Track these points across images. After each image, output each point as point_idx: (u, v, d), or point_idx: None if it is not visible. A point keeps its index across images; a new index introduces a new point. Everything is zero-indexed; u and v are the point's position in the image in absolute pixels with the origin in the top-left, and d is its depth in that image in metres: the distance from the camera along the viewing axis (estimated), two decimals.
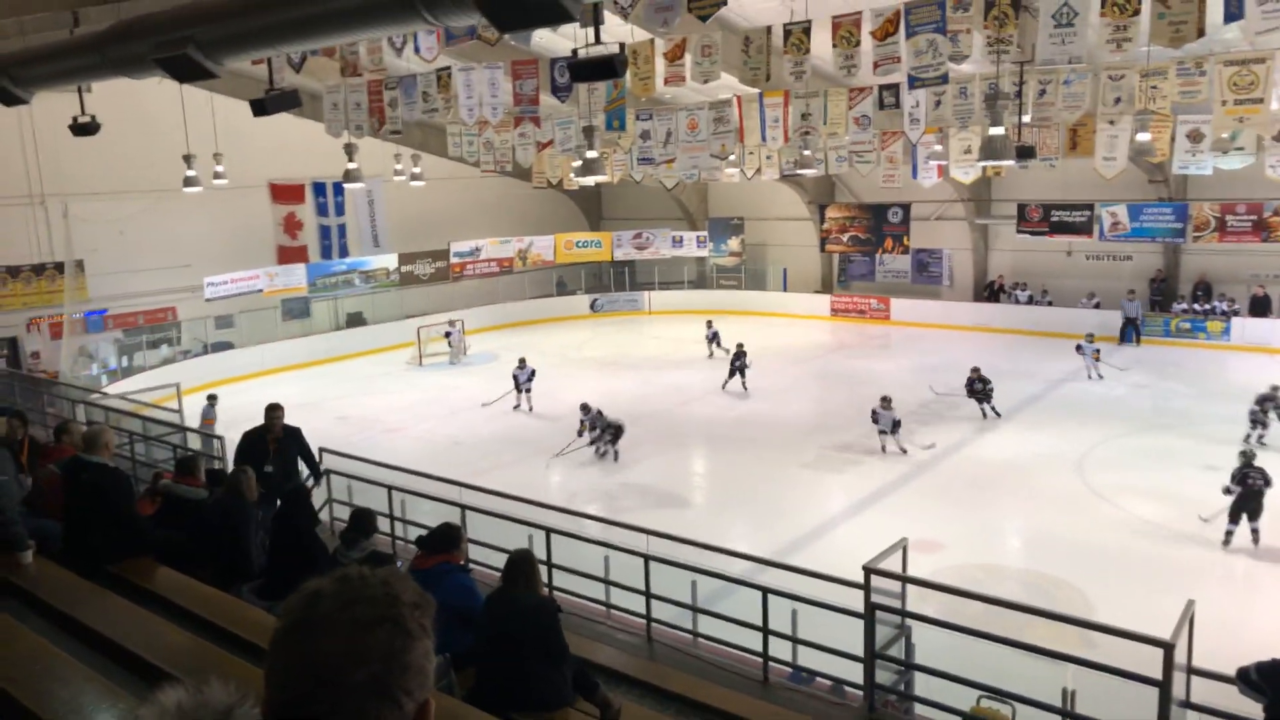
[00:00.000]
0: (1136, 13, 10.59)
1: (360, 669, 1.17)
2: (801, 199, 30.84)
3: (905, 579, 6.13)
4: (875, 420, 16.25)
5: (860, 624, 5.99)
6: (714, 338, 25.12)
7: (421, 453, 16.09)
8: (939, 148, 20.34)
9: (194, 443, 12.11)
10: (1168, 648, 4.80)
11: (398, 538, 9.35)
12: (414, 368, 25.27)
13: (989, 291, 28.71)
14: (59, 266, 22.11)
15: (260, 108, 11.18)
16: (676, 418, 19.47)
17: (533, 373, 20.10)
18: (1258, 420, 15.95)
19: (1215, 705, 5.28)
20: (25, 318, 21.65)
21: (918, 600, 6.42)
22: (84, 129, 10.64)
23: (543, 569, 8.25)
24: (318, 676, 1.17)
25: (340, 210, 28.09)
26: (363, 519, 6.34)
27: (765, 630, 6.55)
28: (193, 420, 15.40)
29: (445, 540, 5.73)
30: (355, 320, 28.33)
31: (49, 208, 21.85)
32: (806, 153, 20.44)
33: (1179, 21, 10.34)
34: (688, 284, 33.79)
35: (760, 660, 6.56)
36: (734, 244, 32.94)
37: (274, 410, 8.78)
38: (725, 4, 11.18)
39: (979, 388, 18.07)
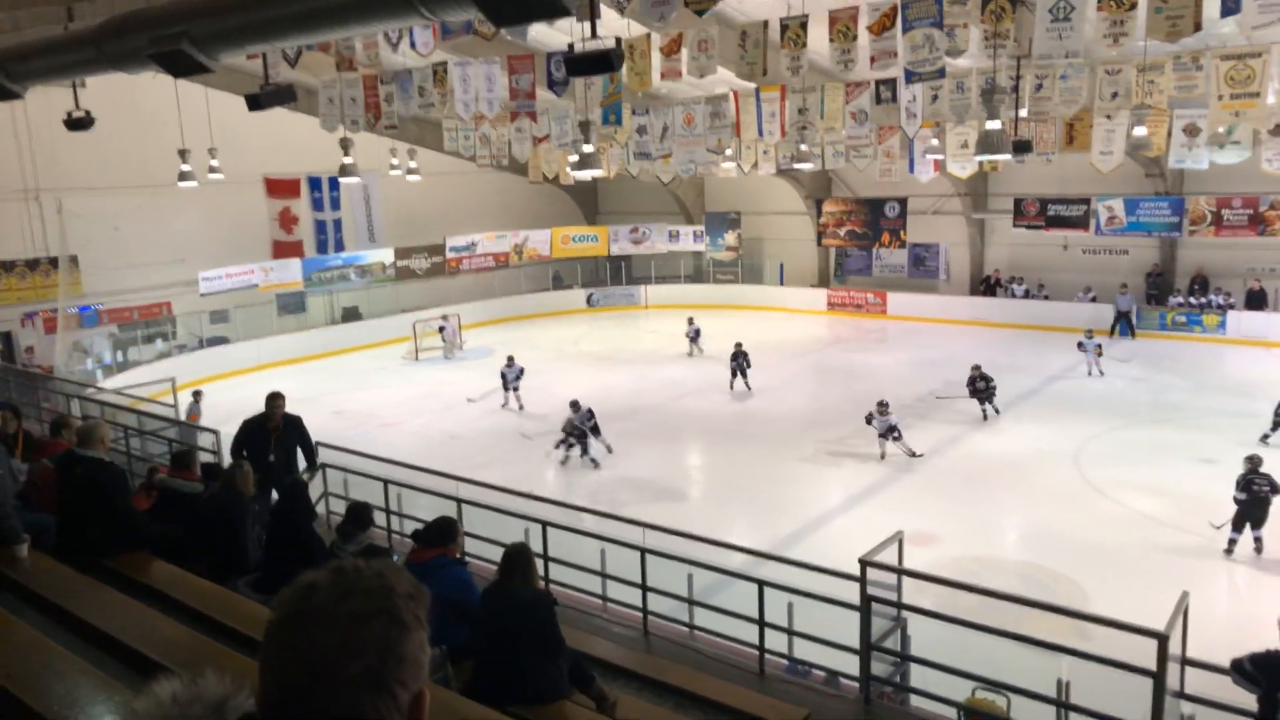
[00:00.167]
0: (1133, 7, 10.60)
1: (355, 661, 1.17)
2: (798, 193, 30.84)
3: (901, 571, 6.14)
4: (870, 424, 15.82)
5: (856, 616, 6.01)
6: (695, 335, 24.80)
7: (417, 447, 16.09)
8: (935, 142, 20.35)
9: (189, 437, 12.09)
10: (1162, 639, 4.81)
11: (394, 531, 9.36)
12: (410, 362, 25.25)
13: (985, 286, 28.74)
14: (53, 261, 22.05)
15: (255, 102, 11.17)
16: (673, 412, 19.48)
17: (521, 371, 19.81)
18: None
19: (1209, 696, 5.30)
20: (19, 313, 21.60)
21: (914, 593, 6.43)
22: (78, 124, 10.62)
23: (539, 562, 8.27)
24: (312, 669, 1.17)
25: (336, 205, 28.06)
26: (359, 513, 6.34)
27: (762, 623, 6.56)
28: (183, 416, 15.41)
29: (442, 534, 5.73)
30: (351, 315, 28.30)
31: (43, 202, 21.78)
32: (803, 147, 20.42)
33: (1176, 16, 10.36)
34: (684, 279, 33.79)
35: (757, 653, 6.58)
36: (731, 238, 32.94)
37: (275, 399, 8.74)
38: None
39: (980, 386, 17.78)
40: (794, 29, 12.84)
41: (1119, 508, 13.28)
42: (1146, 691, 4.97)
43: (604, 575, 7.93)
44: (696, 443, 18.05)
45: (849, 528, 12.31)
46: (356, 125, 17.63)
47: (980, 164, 20.71)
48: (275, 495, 7.36)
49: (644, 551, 7.52)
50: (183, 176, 18.71)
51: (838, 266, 31.88)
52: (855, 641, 6.04)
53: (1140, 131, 17.45)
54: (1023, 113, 15.45)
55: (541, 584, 6.43)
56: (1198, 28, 10.31)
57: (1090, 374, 20.74)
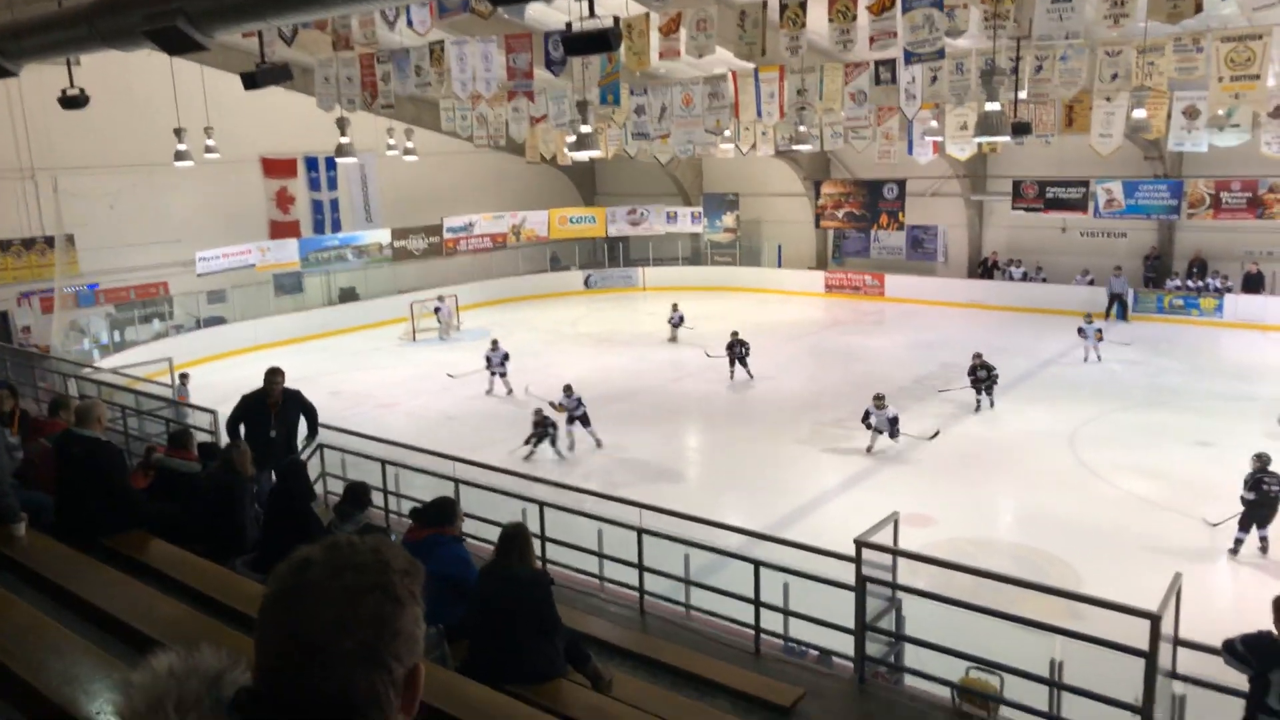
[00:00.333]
0: None
1: (350, 636, 1.18)
2: (797, 175, 30.74)
3: (896, 552, 6.17)
4: (868, 421, 15.08)
5: (851, 597, 6.05)
6: (678, 322, 24.29)
7: (415, 428, 16.11)
8: (935, 124, 20.27)
9: (186, 417, 12.10)
10: (1154, 619, 4.85)
11: (392, 511, 9.38)
12: (407, 343, 25.24)
13: (983, 268, 28.72)
14: (49, 241, 21.98)
15: (251, 81, 11.10)
16: (671, 394, 19.50)
17: (506, 355, 19.47)
18: None
19: (1201, 676, 5.34)
20: (15, 292, 21.55)
21: (909, 574, 6.47)
22: (73, 102, 10.55)
23: (536, 543, 8.31)
24: (308, 644, 1.17)
25: (333, 185, 27.94)
26: (357, 492, 6.36)
27: (757, 603, 6.60)
28: None
29: (441, 513, 5.76)
30: (348, 295, 28.25)
31: (39, 181, 21.68)
32: (802, 128, 20.35)
33: None
34: (682, 260, 33.73)
35: (752, 632, 6.62)
36: (729, 220, 32.86)
37: (274, 374, 8.70)
38: None
39: (981, 375, 17.27)
40: (793, 9, 12.76)
41: (1114, 490, 13.34)
42: (1139, 671, 5.01)
43: (601, 555, 7.96)
44: (694, 424, 18.08)
45: (845, 509, 12.36)
46: (353, 105, 17.52)
47: (979, 146, 20.65)
48: (275, 474, 7.37)
49: (641, 532, 7.55)
50: (179, 156, 18.61)
51: (836, 248, 31.83)
52: (850, 622, 6.08)
53: (1140, 114, 17.39)
54: (1022, 94, 15.38)
55: (539, 564, 6.47)
56: (1199, 9, 10.26)
57: (1087, 360, 20.56)
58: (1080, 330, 20.77)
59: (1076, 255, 26.88)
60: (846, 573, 6.10)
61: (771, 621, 6.74)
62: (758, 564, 6.68)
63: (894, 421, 15.00)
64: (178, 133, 17.89)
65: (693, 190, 33.57)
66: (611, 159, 26.65)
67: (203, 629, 3.95)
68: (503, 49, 15.58)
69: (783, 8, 12.82)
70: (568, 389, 15.88)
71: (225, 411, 9.26)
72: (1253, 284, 24.44)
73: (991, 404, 17.41)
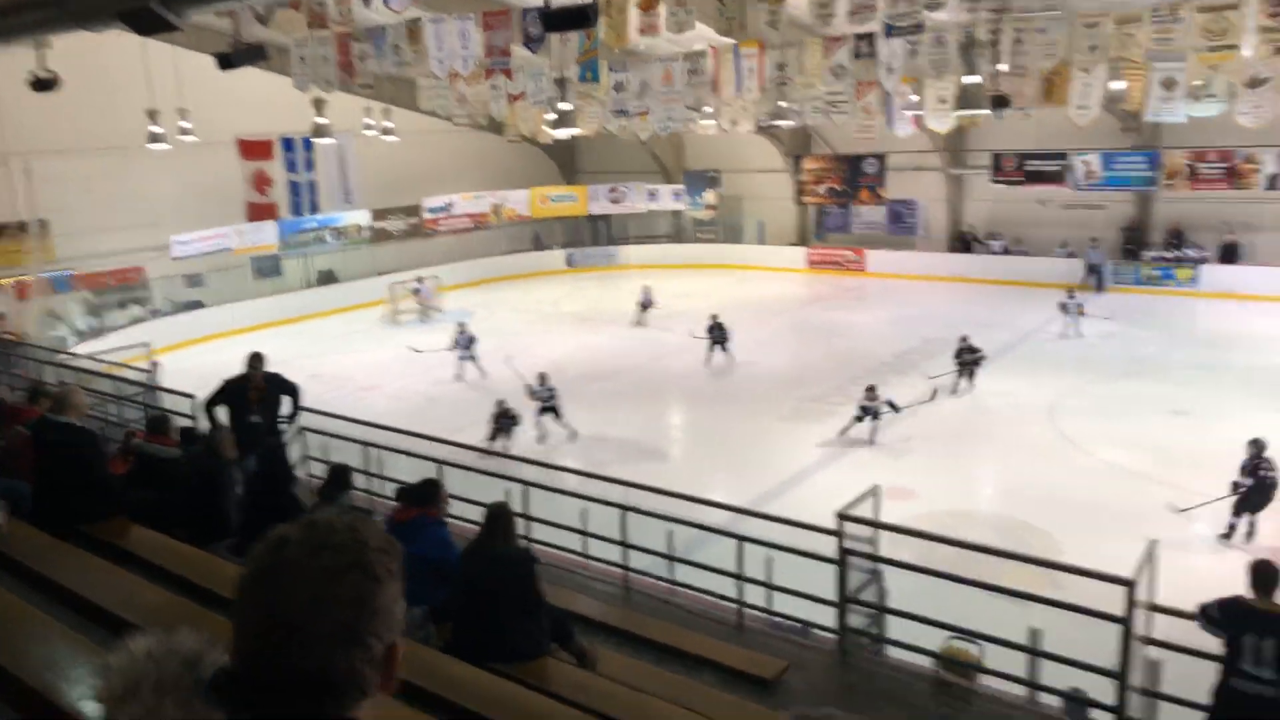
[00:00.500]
0: None
1: (328, 615, 1.18)
2: (778, 151, 30.67)
3: (877, 525, 6.23)
4: (863, 415, 14.57)
5: (834, 570, 6.11)
6: (646, 305, 23.71)
7: (397, 410, 16.06)
8: (915, 98, 20.25)
9: (167, 402, 12.01)
10: (1129, 585, 4.92)
11: (375, 494, 9.37)
12: (387, 325, 25.12)
13: (962, 242, 28.82)
14: (23, 226, 21.67)
15: (226, 62, 10.97)
16: (654, 372, 19.52)
17: (472, 339, 19.08)
18: None
19: (1178, 641, 5.42)
20: None
21: (891, 546, 6.53)
22: (44, 85, 10.40)
23: (521, 522, 8.33)
24: (285, 623, 1.17)
25: (310, 166, 27.62)
26: (339, 475, 6.35)
27: (740, 577, 6.66)
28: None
29: (424, 494, 5.76)
30: (327, 278, 28.06)
31: (10, 166, 21.34)
32: (782, 104, 20.28)
33: None
34: (664, 238, 33.66)
35: (736, 607, 6.68)
36: (710, 197, 32.78)
37: (255, 359, 8.62)
38: None
39: (967, 358, 16.94)
40: None
41: (1093, 460, 13.49)
42: (1116, 638, 5.10)
43: (585, 533, 7.99)
44: (677, 402, 18.12)
45: (827, 484, 12.42)
46: (330, 85, 17.33)
47: (959, 119, 20.67)
48: (256, 459, 7.34)
49: (625, 509, 7.59)
50: (152, 138, 18.38)
51: (817, 224, 31.84)
52: (833, 594, 6.14)
53: (1118, 85, 17.45)
54: (1001, 67, 15.37)
55: (523, 543, 6.49)
56: None
57: (1067, 335, 20.47)
58: (1063, 306, 20.75)
59: (1056, 228, 27.01)
60: (829, 547, 6.16)
61: (755, 596, 6.80)
62: (741, 539, 6.73)
63: (890, 404, 14.67)
64: (151, 114, 17.64)
65: (674, 167, 33.45)
66: (592, 136, 26.46)
67: (185, 614, 3.94)
68: (480, 26, 15.41)
69: None
70: (542, 377, 15.35)
71: (204, 396, 9.20)
72: (1229, 254, 24.68)
73: (971, 386, 17.08)
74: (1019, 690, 5.82)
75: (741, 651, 5.70)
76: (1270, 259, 23.90)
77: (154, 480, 6.83)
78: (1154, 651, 5.50)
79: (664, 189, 33.16)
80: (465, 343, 19.07)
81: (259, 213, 26.46)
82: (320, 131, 19.27)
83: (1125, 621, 5.01)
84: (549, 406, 15.13)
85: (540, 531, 8.35)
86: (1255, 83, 16.76)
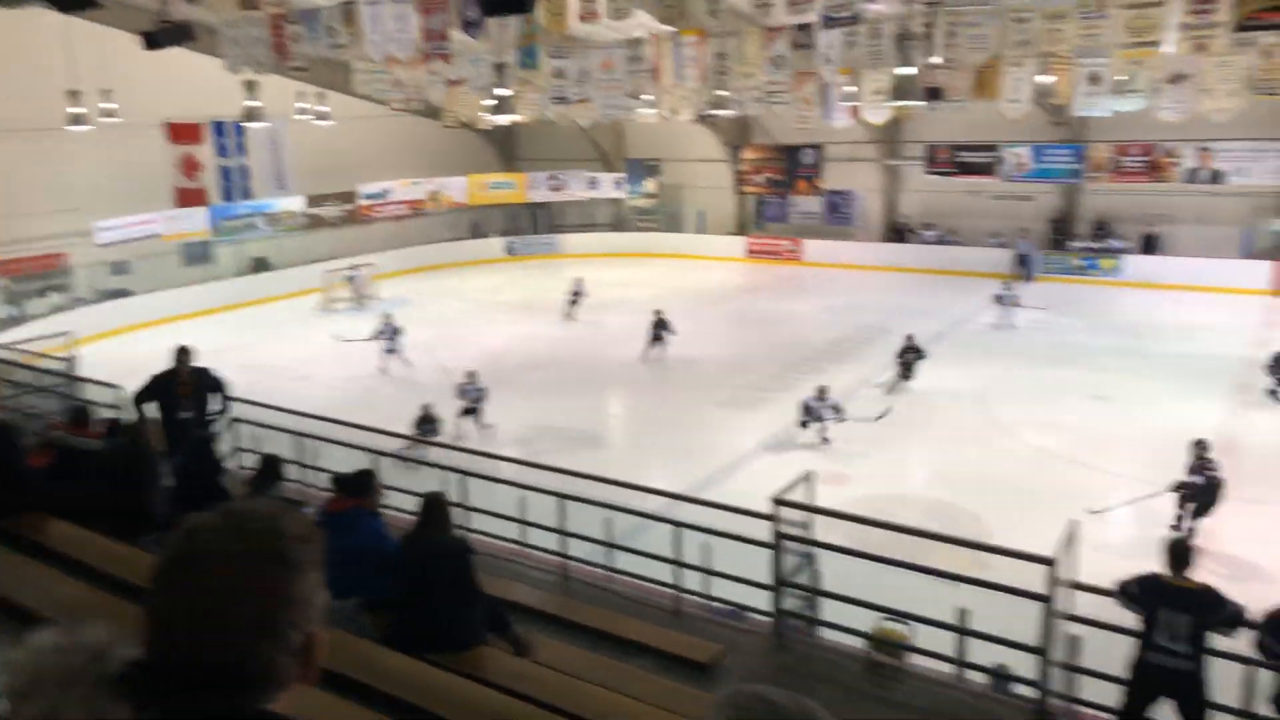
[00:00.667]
0: None
1: (243, 605, 1.16)
2: (718, 140, 30.82)
3: (811, 509, 6.33)
4: (809, 416, 14.13)
5: (770, 554, 6.20)
6: (575, 298, 23.11)
7: (333, 399, 15.79)
8: (852, 89, 20.49)
9: (90, 393, 11.65)
10: (1050, 564, 5.09)
11: (309, 485, 9.23)
12: (322, 313, 24.68)
13: (896, 232, 29.33)
14: None
15: (152, 41, 10.64)
16: (594, 360, 19.51)
17: (396, 330, 18.48)
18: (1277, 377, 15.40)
19: (1098, 618, 5.62)
20: None
21: (826, 530, 6.64)
22: None
23: (459, 512, 8.28)
24: (200, 612, 1.15)
25: (243, 151, 26.95)
26: (270, 466, 6.24)
27: (677, 563, 6.72)
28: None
29: (359, 485, 5.68)
30: (261, 265, 27.45)
31: None
32: (722, 93, 20.36)
33: None
34: (605, 226, 33.61)
35: (673, 592, 6.73)
36: (651, 185, 32.81)
37: (182, 353, 8.42)
38: None
39: (910, 357, 16.71)
40: None
41: (1021, 444, 13.88)
42: (1038, 616, 5.27)
43: (523, 522, 7.98)
44: (617, 390, 18.15)
45: (764, 470, 12.57)
46: (262, 67, 16.89)
47: (894, 111, 20.98)
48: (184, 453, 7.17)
49: (563, 497, 7.59)
50: (74, 120, 17.73)
51: (757, 214, 32.09)
52: (769, 578, 6.23)
53: (1046, 79, 17.89)
54: (935, 60, 15.65)
55: (460, 533, 6.45)
56: None
57: (1001, 326, 20.69)
58: (999, 298, 21.04)
59: (987, 218, 27.64)
60: (765, 531, 6.24)
61: (694, 582, 6.87)
62: (677, 525, 6.78)
63: (837, 409, 14.16)
64: (72, 95, 17.01)
65: (614, 155, 33.39)
66: (532, 123, 26.29)
67: (105, 608, 3.85)
68: (418, 9, 15.16)
69: None
70: (472, 375, 14.78)
71: (132, 387, 8.96)
72: (1150, 245, 25.54)
73: (908, 385, 16.72)
74: (948, 668, 5.98)
75: (678, 636, 5.76)
76: (1189, 250, 24.78)
77: (76, 473, 6.62)
78: (1075, 628, 5.69)
79: (604, 177, 33.08)
80: (390, 334, 18.52)
81: (188, 198, 25.72)
82: (252, 115, 18.78)
83: (1047, 599, 5.18)
84: (472, 408, 14.57)
85: (479, 521, 8.31)
86: (1176, 79, 17.32)
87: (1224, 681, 5.12)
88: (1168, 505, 10.94)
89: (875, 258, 28.55)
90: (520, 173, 33.71)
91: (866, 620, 6.18)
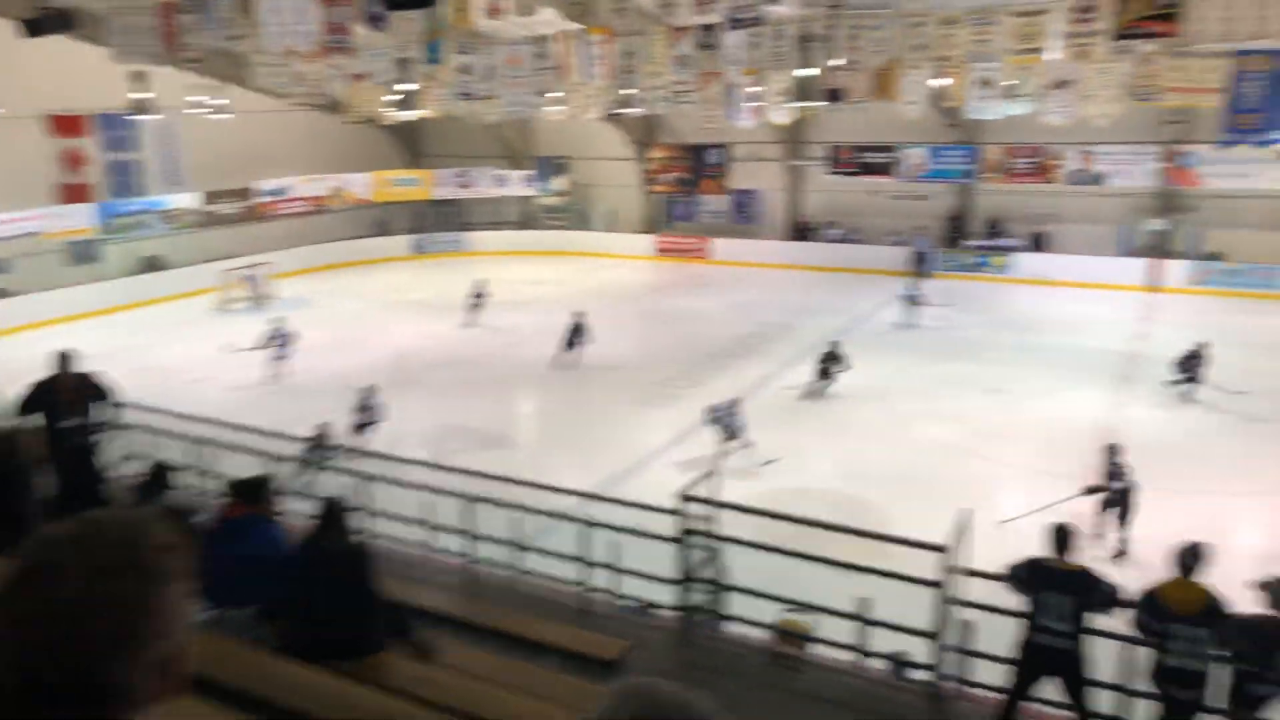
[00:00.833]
0: None
1: (98, 618, 1.12)
2: (626, 139, 30.92)
3: (717, 504, 6.43)
4: (715, 419, 13.39)
5: (677, 549, 6.28)
6: (477, 301, 22.08)
7: (230, 403, 15.30)
8: (756, 90, 20.80)
9: None
10: (943, 552, 5.28)
11: (204, 492, 8.92)
12: (220, 314, 23.86)
13: (800, 231, 29.96)
14: None
15: (33, 28, 10.11)
16: (503, 360, 19.36)
17: (287, 336, 17.61)
18: (1189, 377, 15.50)
19: (989, 602, 5.85)
20: None
21: (736, 526, 6.74)
22: None
23: (364, 516, 8.13)
24: (51, 627, 1.10)
25: (133, 145, 25.81)
26: (159, 473, 6.02)
27: (584, 561, 6.74)
28: None
29: (255, 491, 5.53)
30: (153, 264, 26.34)
31: None
32: (629, 92, 20.42)
33: None
34: (514, 224, 33.37)
35: (582, 591, 6.75)
36: (560, 183, 32.71)
37: (63, 359, 8.02)
38: None
39: (829, 365, 16.22)
40: None
41: (919, 437, 14.34)
42: (932, 602, 5.47)
43: (430, 525, 7.89)
44: (526, 389, 18.04)
45: (674, 466, 12.70)
46: (152, 58, 16.22)
47: (798, 112, 21.41)
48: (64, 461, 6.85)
49: (471, 499, 7.54)
50: None
51: (666, 212, 32.32)
52: (675, 574, 6.30)
53: (941, 83, 18.51)
54: (837, 62, 16.03)
55: (361, 537, 6.34)
56: None
57: (910, 325, 20.90)
58: (905, 297, 21.33)
59: (886, 217, 28.45)
60: (674, 527, 6.32)
61: (604, 579, 6.90)
62: (585, 523, 6.80)
63: (736, 431, 13.25)
64: None
65: (523, 153, 33.16)
66: (438, 120, 25.92)
67: None
68: (319, 2, 14.79)
69: None
70: (370, 390, 13.81)
71: (11, 393, 8.50)
72: (1038, 243, 26.72)
73: (826, 389, 16.41)
74: (849, 656, 6.15)
75: (585, 634, 5.78)
76: (1074, 248, 26.00)
77: None
78: (969, 613, 5.93)
79: (513, 174, 32.83)
80: (281, 340, 17.59)
81: (72, 194, 24.46)
82: (141, 108, 17.99)
83: (939, 586, 5.37)
84: (364, 424, 13.62)
85: (383, 525, 8.18)
86: (1061, 84, 18.14)
87: (1104, 659, 5.41)
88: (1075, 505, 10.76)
89: (780, 256, 29.09)
90: (427, 169, 33.20)
91: (771, 612, 6.32)
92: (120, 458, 9.18)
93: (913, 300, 21.23)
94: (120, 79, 17.57)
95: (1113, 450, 10.64)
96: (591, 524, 6.96)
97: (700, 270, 29.34)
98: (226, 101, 23.37)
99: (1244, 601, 5.30)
